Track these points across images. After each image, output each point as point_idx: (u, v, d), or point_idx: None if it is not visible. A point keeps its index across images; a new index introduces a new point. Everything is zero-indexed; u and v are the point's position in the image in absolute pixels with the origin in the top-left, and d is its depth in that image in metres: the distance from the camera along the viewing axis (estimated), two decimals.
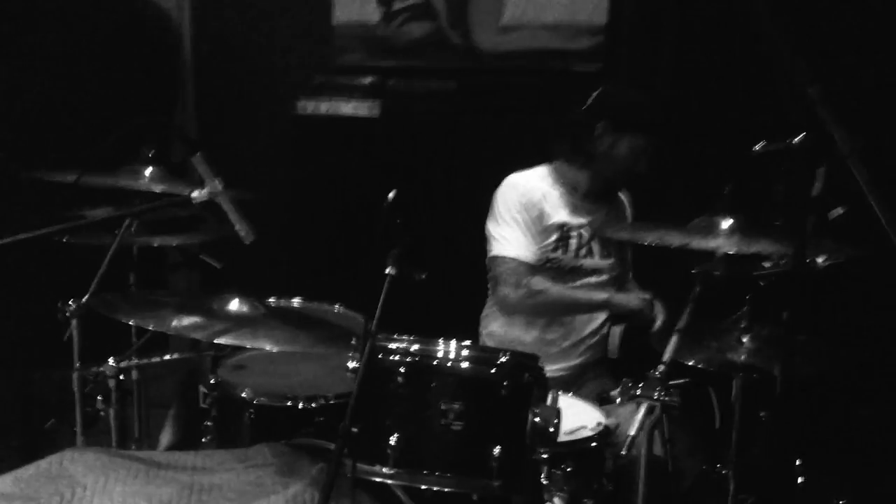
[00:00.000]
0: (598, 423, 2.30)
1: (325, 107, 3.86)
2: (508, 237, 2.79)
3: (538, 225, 2.79)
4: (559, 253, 2.82)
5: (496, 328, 2.95)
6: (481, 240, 2.89)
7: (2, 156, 3.28)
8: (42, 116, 3.42)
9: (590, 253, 2.86)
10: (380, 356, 1.92)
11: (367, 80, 3.86)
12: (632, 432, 1.80)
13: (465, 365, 1.94)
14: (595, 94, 2.76)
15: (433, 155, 3.78)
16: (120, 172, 2.80)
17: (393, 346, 1.93)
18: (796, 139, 1.50)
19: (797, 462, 2.70)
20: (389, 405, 1.91)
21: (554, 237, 2.81)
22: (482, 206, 2.88)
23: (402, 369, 1.90)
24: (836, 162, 2.13)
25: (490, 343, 2.95)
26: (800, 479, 2.72)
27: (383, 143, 3.81)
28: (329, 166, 3.89)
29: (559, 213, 2.83)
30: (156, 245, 3.01)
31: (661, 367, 1.89)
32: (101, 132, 2.15)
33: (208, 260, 3.15)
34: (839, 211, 2.09)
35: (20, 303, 3.29)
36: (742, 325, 2.21)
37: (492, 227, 2.84)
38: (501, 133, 3.69)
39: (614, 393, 2.25)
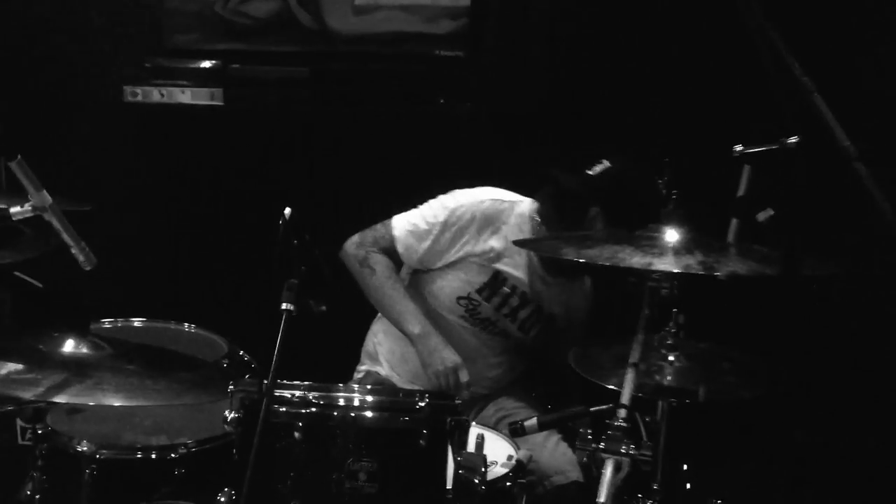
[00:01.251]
0: (510, 457, 2.09)
1: (158, 94, 3.40)
2: (415, 224, 2.48)
3: (469, 253, 2.46)
4: (481, 297, 2.49)
5: (388, 343, 2.60)
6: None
7: None
8: None
9: (512, 315, 2.53)
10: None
11: (206, 64, 3.47)
12: (601, 499, 1.55)
13: (373, 414, 1.67)
14: (601, 168, 2.40)
15: (286, 148, 3.45)
16: None
17: (286, 394, 1.60)
18: (790, 140, 1.29)
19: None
20: (286, 468, 1.63)
21: (485, 279, 2.49)
22: (340, 202, 2.54)
23: (299, 423, 1.62)
24: (764, 161, 1.98)
25: (382, 353, 2.58)
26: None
27: (229, 135, 3.44)
28: (168, 162, 3.50)
29: (508, 262, 2.49)
30: None
31: (622, 413, 1.64)
32: None
33: (25, 279, 2.64)
34: (769, 213, 1.94)
35: None
36: (668, 343, 2.01)
37: (422, 205, 2.52)
38: (361, 123, 3.41)
39: (530, 424, 2.00)
